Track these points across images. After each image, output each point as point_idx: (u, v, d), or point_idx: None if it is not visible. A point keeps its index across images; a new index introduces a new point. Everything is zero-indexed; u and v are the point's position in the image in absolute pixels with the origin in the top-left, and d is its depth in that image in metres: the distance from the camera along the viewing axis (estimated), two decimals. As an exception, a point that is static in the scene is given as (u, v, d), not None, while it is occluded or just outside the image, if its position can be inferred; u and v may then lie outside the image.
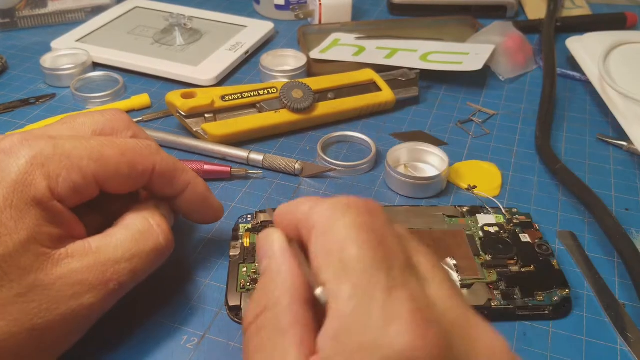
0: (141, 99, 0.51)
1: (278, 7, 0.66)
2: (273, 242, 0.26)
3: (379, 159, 0.44)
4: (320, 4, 0.62)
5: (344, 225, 0.22)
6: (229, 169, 0.42)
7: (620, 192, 0.42)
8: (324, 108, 0.48)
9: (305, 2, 0.66)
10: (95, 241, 0.28)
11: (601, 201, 0.38)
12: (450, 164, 0.44)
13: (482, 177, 0.42)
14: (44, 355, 0.26)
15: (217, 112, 0.46)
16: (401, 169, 0.42)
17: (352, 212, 0.23)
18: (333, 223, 0.23)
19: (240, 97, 0.47)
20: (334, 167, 0.43)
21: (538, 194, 0.41)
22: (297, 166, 0.42)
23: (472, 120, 0.50)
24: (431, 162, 0.43)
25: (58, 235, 0.27)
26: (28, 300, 0.25)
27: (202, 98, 0.46)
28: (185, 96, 0.46)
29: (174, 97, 0.46)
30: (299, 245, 0.25)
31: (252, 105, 0.47)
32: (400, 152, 0.43)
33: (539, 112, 0.50)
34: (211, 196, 0.33)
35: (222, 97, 0.46)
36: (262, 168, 0.44)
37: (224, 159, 0.44)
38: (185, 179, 0.31)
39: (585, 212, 0.39)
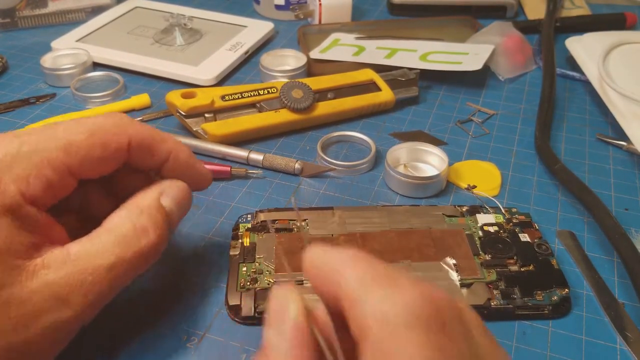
0: (141, 99, 0.51)
1: (278, 7, 0.66)
2: (286, 314, 0.20)
3: (378, 158, 0.44)
4: (320, 4, 0.62)
5: (411, 347, 0.18)
6: (229, 168, 0.42)
7: (620, 191, 0.42)
8: (324, 108, 0.48)
9: (305, 2, 0.66)
10: (74, 247, 0.26)
11: (600, 201, 0.38)
12: (450, 164, 0.44)
13: (482, 177, 0.42)
14: None
15: (217, 112, 0.46)
16: (401, 169, 0.42)
17: (422, 326, 0.18)
18: (396, 339, 0.18)
19: (240, 96, 0.47)
20: (333, 166, 0.43)
21: (537, 193, 0.42)
22: (297, 166, 0.42)
23: (471, 120, 0.50)
24: (431, 161, 0.43)
25: (33, 243, 0.25)
26: (2, 317, 0.23)
27: (202, 98, 0.46)
28: (185, 96, 0.46)
29: (174, 97, 0.46)
30: (332, 311, 0.20)
31: (252, 105, 0.47)
32: (400, 152, 0.43)
33: (538, 112, 0.50)
34: (196, 162, 0.32)
35: (222, 97, 0.46)
36: (262, 168, 0.44)
37: (224, 158, 0.44)
38: (166, 148, 0.29)
39: (584, 211, 0.39)
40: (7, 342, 0.23)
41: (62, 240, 0.26)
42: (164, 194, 0.29)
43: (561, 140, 0.48)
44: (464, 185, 0.42)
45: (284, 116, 0.46)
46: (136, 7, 0.66)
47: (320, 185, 0.42)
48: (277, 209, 0.38)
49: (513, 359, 0.30)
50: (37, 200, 0.25)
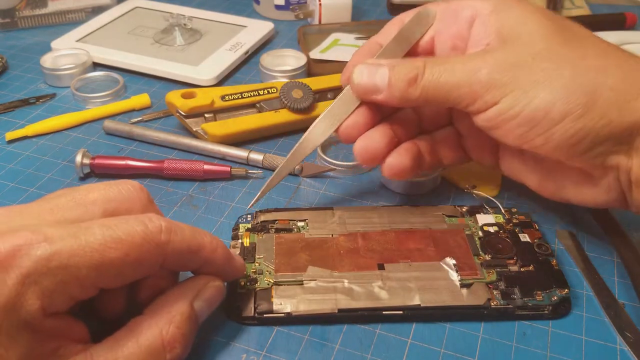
0: (141, 99, 0.51)
1: (278, 7, 0.66)
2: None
3: (378, 158, 0.44)
4: (320, 4, 0.62)
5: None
6: (229, 168, 0.42)
7: (620, 192, 0.42)
8: (324, 108, 0.48)
9: (305, 2, 0.66)
10: (98, 353, 0.24)
11: (600, 201, 0.38)
12: (450, 164, 0.44)
13: (482, 177, 0.42)
14: None
15: (217, 112, 0.46)
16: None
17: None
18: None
19: (240, 97, 0.47)
20: (333, 167, 0.43)
21: (537, 193, 0.41)
22: (297, 166, 0.43)
23: (471, 120, 0.50)
24: None
25: (53, 349, 0.24)
26: None
27: (202, 98, 0.46)
28: (185, 96, 0.46)
29: (174, 97, 0.46)
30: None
31: (252, 105, 0.47)
32: None
33: (538, 112, 0.50)
34: (231, 260, 0.30)
35: (222, 97, 0.46)
36: (262, 168, 0.44)
37: (223, 158, 0.44)
38: (201, 258, 0.28)
39: (584, 211, 0.39)
40: None
41: (83, 338, 0.25)
42: (198, 296, 0.28)
43: (561, 140, 0.48)
44: (463, 185, 0.42)
45: (284, 116, 0.46)
46: (136, 7, 0.66)
47: (321, 185, 0.42)
48: (277, 209, 0.38)
49: (513, 359, 0.30)
50: (59, 311, 0.24)
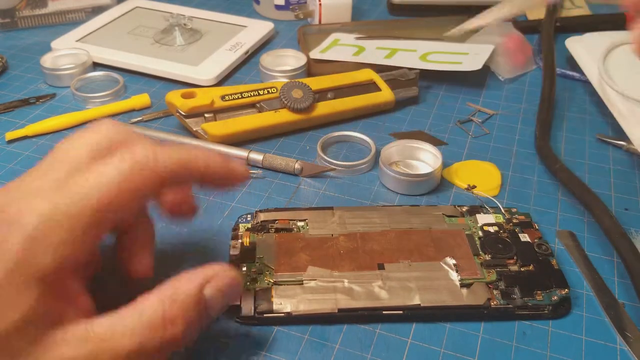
0: (141, 99, 0.51)
1: (278, 7, 0.66)
2: None
3: (378, 158, 0.44)
4: (320, 4, 0.62)
5: None
6: (228, 168, 0.42)
7: (620, 192, 0.42)
8: (324, 108, 0.48)
9: (305, 2, 0.66)
10: (99, 325, 0.25)
11: (600, 201, 0.38)
12: (450, 164, 0.44)
13: (482, 177, 0.42)
14: None
15: (217, 112, 0.46)
16: (393, 167, 0.42)
17: None
18: None
19: (240, 97, 0.47)
20: (333, 166, 0.43)
21: (537, 193, 0.42)
22: (297, 166, 0.43)
23: (471, 120, 0.50)
24: (425, 159, 0.43)
25: (58, 313, 0.24)
26: None
27: (202, 98, 0.46)
28: (185, 96, 0.46)
29: (174, 97, 0.46)
30: None
31: (252, 105, 0.47)
32: (393, 150, 0.43)
33: (538, 112, 0.50)
34: (230, 162, 0.30)
35: (222, 97, 0.46)
36: (262, 168, 0.44)
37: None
38: (198, 167, 0.28)
39: (584, 211, 0.39)
40: None
41: (88, 311, 0.26)
42: (210, 282, 0.28)
43: (561, 140, 0.48)
44: (464, 185, 0.42)
45: (284, 116, 0.46)
46: (136, 7, 0.66)
47: (321, 185, 0.42)
48: (277, 209, 0.38)
49: (513, 359, 0.30)
50: (68, 266, 0.25)
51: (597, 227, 0.37)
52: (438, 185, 0.42)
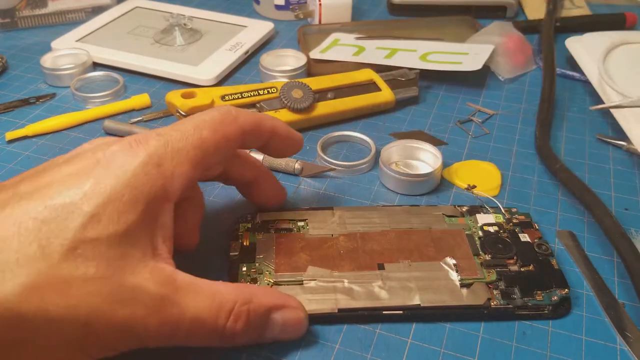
0: (141, 99, 0.51)
1: (278, 7, 0.66)
2: None
3: (378, 158, 0.44)
4: (320, 4, 0.62)
5: None
6: (229, 168, 0.42)
7: (620, 192, 0.42)
8: (324, 108, 0.48)
9: (305, 2, 0.66)
10: (182, 279, 0.27)
11: (600, 201, 0.38)
12: (450, 164, 0.44)
13: (482, 177, 0.42)
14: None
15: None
16: (393, 167, 0.42)
17: None
18: None
19: (240, 97, 0.47)
20: (333, 166, 0.43)
21: (537, 193, 0.42)
22: (297, 166, 0.43)
23: (471, 120, 0.50)
24: (425, 159, 0.43)
25: (151, 246, 0.27)
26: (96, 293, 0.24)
27: (202, 98, 0.46)
28: (185, 96, 0.46)
29: (174, 97, 0.46)
30: None
31: (252, 105, 0.47)
32: (393, 150, 0.43)
33: (538, 112, 0.50)
34: (291, 131, 0.35)
35: (222, 97, 0.46)
36: (262, 168, 0.44)
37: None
38: (269, 126, 0.33)
39: (584, 211, 0.40)
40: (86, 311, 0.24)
41: (169, 253, 0.28)
42: (283, 310, 0.30)
43: (561, 140, 0.48)
44: (464, 185, 0.42)
45: (284, 116, 0.46)
46: (136, 7, 0.66)
47: (321, 185, 0.42)
48: (277, 209, 0.38)
49: (513, 359, 0.30)
50: (171, 195, 0.28)
51: (597, 227, 0.37)
52: (438, 185, 0.42)
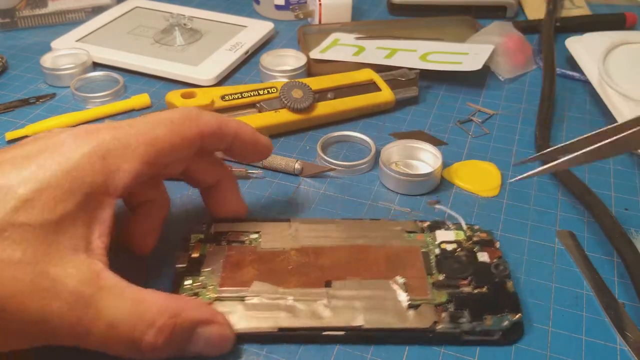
0: (141, 99, 0.51)
1: (278, 7, 0.66)
2: None
3: (378, 158, 0.44)
4: (320, 4, 0.62)
5: None
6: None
7: (620, 192, 0.42)
8: (324, 108, 0.48)
9: (305, 2, 0.66)
10: (108, 277, 0.26)
11: (600, 201, 0.38)
12: (450, 164, 0.44)
13: (482, 177, 0.42)
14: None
15: (217, 112, 0.46)
16: (392, 167, 0.42)
17: None
18: None
19: (240, 96, 0.47)
20: (333, 166, 0.43)
21: (537, 193, 0.42)
22: (297, 166, 0.43)
23: (471, 120, 0.50)
24: (425, 159, 0.43)
25: (84, 240, 0.26)
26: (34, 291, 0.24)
27: (202, 98, 0.46)
28: (185, 96, 0.46)
29: (174, 97, 0.46)
30: None
31: (252, 105, 0.47)
32: (393, 150, 0.43)
33: (538, 112, 0.50)
34: (259, 137, 0.34)
35: (222, 97, 0.46)
36: (262, 168, 0.44)
37: (224, 159, 0.44)
38: (231, 130, 0.32)
39: (584, 211, 0.39)
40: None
41: (104, 249, 0.27)
42: (209, 326, 0.28)
43: (561, 140, 0.48)
44: (464, 185, 0.42)
45: (284, 116, 0.46)
46: (136, 7, 0.66)
47: (321, 185, 0.42)
48: (234, 220, 0.36)
49: (514, 359, 0.30)
50: (115, 190, 0.27)
51: (597, 227, 0.37)
52: (438, 185, 0.42)
